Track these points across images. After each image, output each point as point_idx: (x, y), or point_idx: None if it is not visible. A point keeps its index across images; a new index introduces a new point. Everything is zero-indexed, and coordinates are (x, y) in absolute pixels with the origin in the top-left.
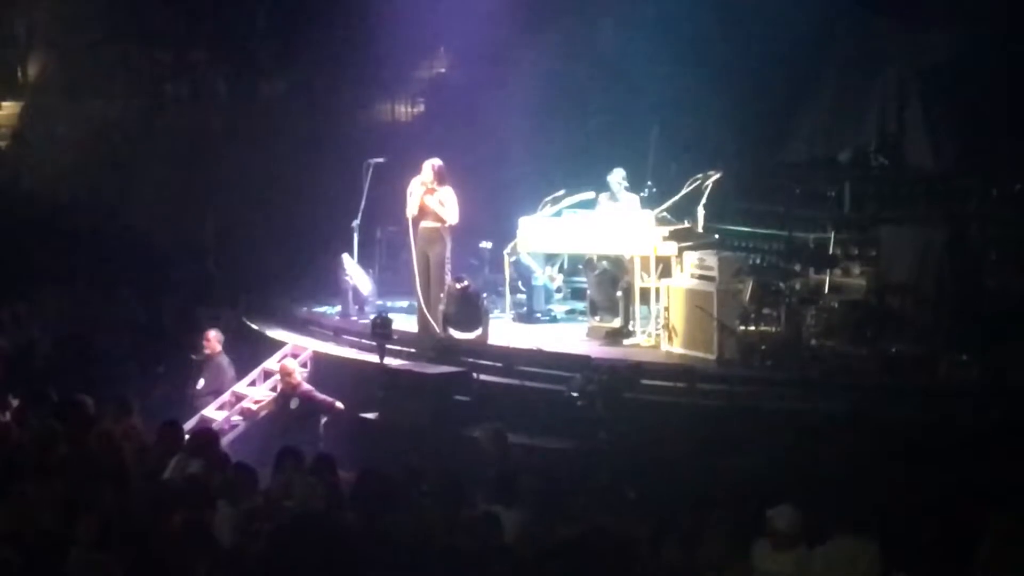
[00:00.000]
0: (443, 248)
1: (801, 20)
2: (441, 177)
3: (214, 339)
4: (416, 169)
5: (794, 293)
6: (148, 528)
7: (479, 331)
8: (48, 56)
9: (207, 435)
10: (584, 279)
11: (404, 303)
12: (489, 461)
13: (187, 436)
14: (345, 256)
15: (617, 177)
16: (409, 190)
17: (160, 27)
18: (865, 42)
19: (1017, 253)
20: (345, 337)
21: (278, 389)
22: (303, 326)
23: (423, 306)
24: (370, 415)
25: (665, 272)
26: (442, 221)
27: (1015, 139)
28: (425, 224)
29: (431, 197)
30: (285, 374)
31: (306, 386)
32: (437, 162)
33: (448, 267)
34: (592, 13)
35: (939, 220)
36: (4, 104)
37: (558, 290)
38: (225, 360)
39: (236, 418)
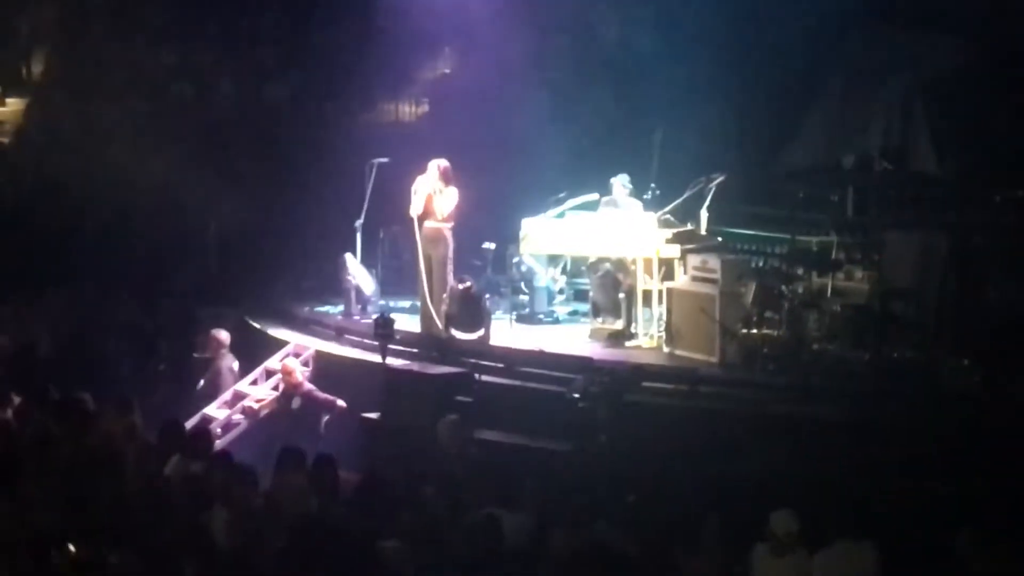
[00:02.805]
0: (446, 248)
1: (808, 25)
2: (447, 178)
3: (215, 340)
4: (420, 169)
5: (796, 297)
6: (146, 527)
7: (481, 332)
8: (52, 54)
9: (203, 435)
10: (587, 281)
11: (407, 303)
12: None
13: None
14: (348, 256)
15: (621, 181)
16: (414, 189)
17: (165, 28)
18: (872, 49)
19: (1018, 260)
20: (347, 337)
21: (280, 388)
22: (305, 325)
23: (427, 305)
24: (372, 415)
25: (668, 274)
26: (446, 220)
27: (1019, 146)
28: (429, 224)
29: (436, 197)
30: (286, 373)
31: (308, 385)
32: (443, 163)
33: (451, 267)
34: (597, 16)
35: (942, 226)
36: (8, 101)
37: (560, 291)
38: (227, 363)
39: (237, 417)
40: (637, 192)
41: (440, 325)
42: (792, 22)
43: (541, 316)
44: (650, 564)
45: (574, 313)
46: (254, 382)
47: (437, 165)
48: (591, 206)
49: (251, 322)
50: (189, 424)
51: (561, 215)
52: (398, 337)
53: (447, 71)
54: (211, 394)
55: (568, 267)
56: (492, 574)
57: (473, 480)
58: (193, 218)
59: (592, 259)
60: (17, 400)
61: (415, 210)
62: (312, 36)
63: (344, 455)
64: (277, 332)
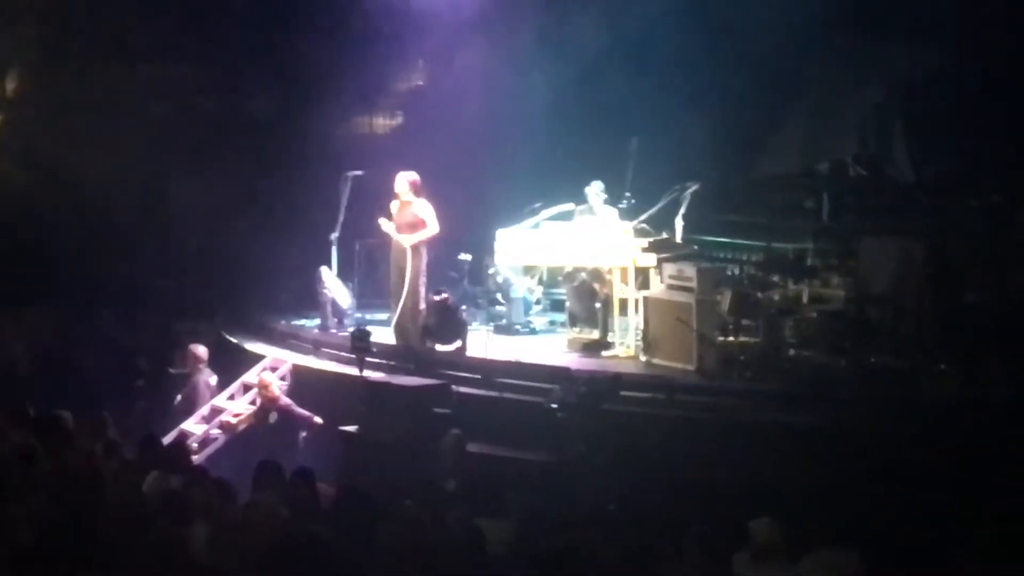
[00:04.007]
0: (419, 261)
1: (783, 33)
2: (417, 190)
3: (193, 355)
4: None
5: (773, 304)
6: (125, 544)
7: (458, 343)
8: (30, 72)
9: (181, 450)
10: (563, 291)
11: (383, 315)
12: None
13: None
14: (324, 269)
15: (595, 190)
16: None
17: (143, 44)
18: (847, 57)
19: (995, 266)
20: (324, 350)
21: (257, 403)
22: (282, 339)
23: (401, 318)
24: (350, 428)
25: (644, 283)
26: (419, 233)
27: (994, 152)
28: (402, 236)
29: (406, 210)
30: (263, 387)
31: (285, 400)
32: (412, 175)
33: (423, 280)
34: (572, 27)
35: (918, 232)
36: None
37: (537, 302)
38: (205, 378)
39: (215, 432)
40: (612, 201)
41: (408, 339)
42: (768, 30)
43: (518, 327)
44: (631, 572)
45: (551, 323)
46: (231, 397)
47: (407, 178)
48: (566, 216)
49: (228, 337)
50: (167, 439)
51: (536, 225)
52: (375, 350)
53: (421, 83)
54: (188, 409)
55: (544, 277)
56: None
57: (457, 492)
58: (171, 233)
59: (568, 269)
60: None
61: (388, 223)
62: (287, 50)
63: (322, 468)
64: (254, 346)
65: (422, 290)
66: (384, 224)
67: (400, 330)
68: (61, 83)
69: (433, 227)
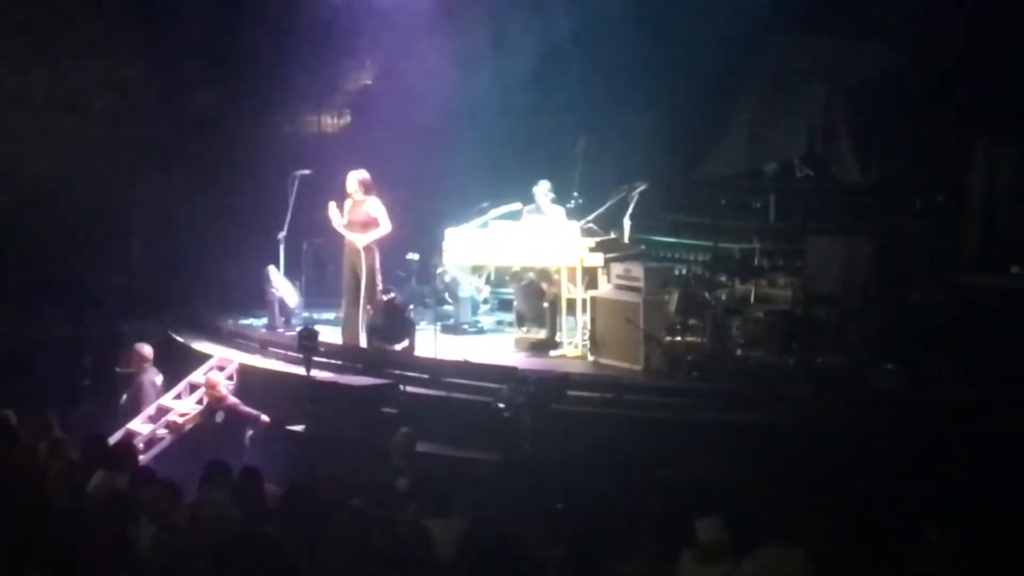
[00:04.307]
0: (373, 260)
1: (731, 32)
2: (367, 188)
3: (138, 354)
4: (342, 181)
5: (720, 304)
6: (70, 544)
7: (406, 343)
8: None
9: (127, 449)
10: (511, 290)
11: (331, 315)
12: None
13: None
14: (271, 268)
15: (543, 189)
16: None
17: (88, 40)
18: (795, 56)
19: (940, 264)
20: (271, 349)
21: (203, 402)
22: (229, 339)
23: (350, 318)
24: (297, 427)
25: (591, 283)
26: (370, 231)
27: (939, 152)
28: (353, 235)
29: (358, 209)
30: (210, 387)
31: (232, 399)
32: (362, 174)
33: (379, 278)
34: (518, 26)
35: (864, 232)
36: None
37: (485, 301)
38: (150, 377)
39: (161, 431)
40: (560, 201)
41: (365, 337)
42: (715, 29)
43: (466, 326)
44: (579, 571)
45: (499, 323)
46: (178, 396)
47: (356, 177)
48: (514, 216)
49: (175, 336)
50: (113, 439)
51: (484, 225)
52: (322, 349)
53: (370, 82)
54: (134, 409)
55: (492, 277)
56: None
57: (407, 491)
58: (117, 231)
59: (516, 269)
60: None
61: (339, 222)
62: (235, 48)
63: (270, 467)
64: (201, 345)
65: (379, 288)
66: (332, 212)
67: (349, 329)
68: (5, 80)
69: (386, 226)
